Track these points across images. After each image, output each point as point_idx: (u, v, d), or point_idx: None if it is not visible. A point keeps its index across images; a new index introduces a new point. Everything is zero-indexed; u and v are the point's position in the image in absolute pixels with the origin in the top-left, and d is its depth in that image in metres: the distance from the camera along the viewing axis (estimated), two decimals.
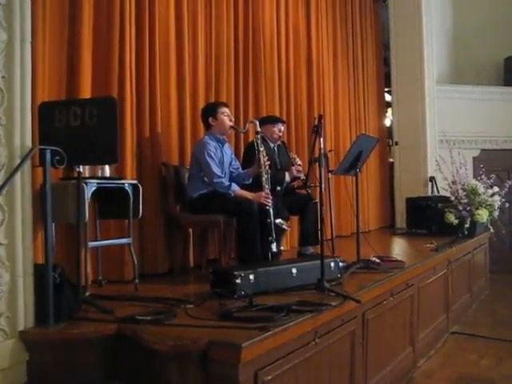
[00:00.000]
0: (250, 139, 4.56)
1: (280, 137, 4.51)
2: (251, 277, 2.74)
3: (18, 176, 2.19)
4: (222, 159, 3.93)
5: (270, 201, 3.64)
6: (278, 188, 4.23)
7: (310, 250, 4.29)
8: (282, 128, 4.54)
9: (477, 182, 5.97)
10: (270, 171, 3.82)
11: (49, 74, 3.20)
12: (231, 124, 3.99)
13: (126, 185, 3.20)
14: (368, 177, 7.38)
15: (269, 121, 4.50)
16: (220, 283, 2.78)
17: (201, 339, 2.01)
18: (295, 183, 4.57)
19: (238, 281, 2.68)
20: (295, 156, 4.51)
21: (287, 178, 4.38)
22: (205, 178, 3.81)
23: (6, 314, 2.16)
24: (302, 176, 4.35)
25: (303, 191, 4.42)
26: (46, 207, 2.28)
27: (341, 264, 3.17)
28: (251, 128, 4.21)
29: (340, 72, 6.95)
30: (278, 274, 2.90)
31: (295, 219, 4.67)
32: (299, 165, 4.38)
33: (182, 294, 2.91)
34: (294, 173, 4.33)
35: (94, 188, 2.95)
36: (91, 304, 2.54)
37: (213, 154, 3.81)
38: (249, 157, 4.20)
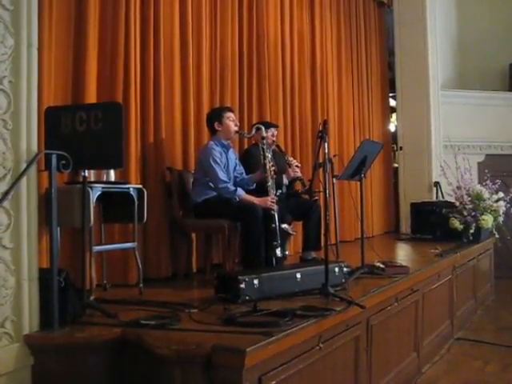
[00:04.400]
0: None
1: (274, 141, 4.50)
2: (255, 281, 2.74)
3: (24, 180, 2.20)
4: (227, 164, 3.94)
5: (275, 205, 3.65)
6: (280, 191, 4.24)
7: (312, 254, 4.29)
8: (275, 132, 4.54)
9: (482, 188, 5.95)
10: (275, 176, 3.82)
11: (55, 80, 3.23)
12: (236, 129, 4.00)
13: (131, 189, 3.22)
14: (372, 182, 7.37)
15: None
16: (224, 288, 2.77)
17: (205, 344, 2.00)
18: (300, 189, 4.57)
19: (243, 285, 2.68)
20: (291, 158, 4.53)
21: (285, 180, 4.41)
22: (210, 184, 3.82)
23: (11, 318, 2.17)
24: (300, 175, 4.38)
25: (307, 196, 4.42)
26: (52, 211, 2.29)
27: (345, 269, 3.17)
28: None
29: (344, 77, 6.96)
30: (282, 278, 2.89)
31: (300, 224, 4.67)
32: (296, 165, 4.41)
33: (186, 298, 2.91)
34: (292, 174, 4.36)
35: (99, 192, 2.96)
36: (96, 308, 2.55)
37: (218, 160, 3.81)
38: (246, 164, 4.22)
